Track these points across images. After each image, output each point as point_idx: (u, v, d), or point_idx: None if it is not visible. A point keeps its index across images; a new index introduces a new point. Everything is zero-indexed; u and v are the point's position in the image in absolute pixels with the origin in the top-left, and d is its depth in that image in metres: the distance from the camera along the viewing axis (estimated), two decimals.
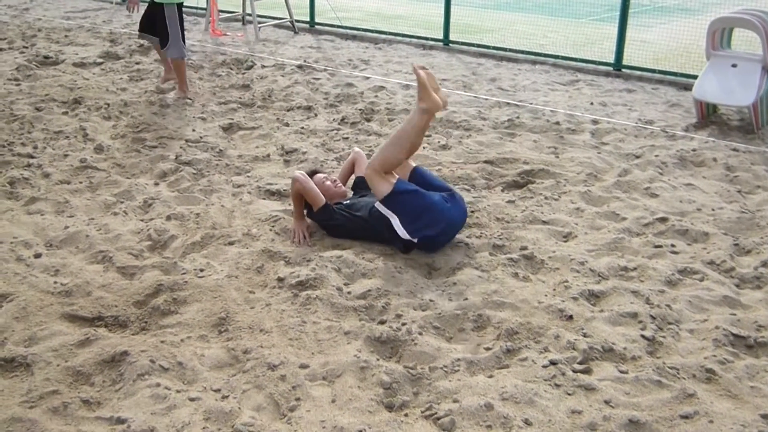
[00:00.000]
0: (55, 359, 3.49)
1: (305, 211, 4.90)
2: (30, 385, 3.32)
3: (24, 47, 10.25)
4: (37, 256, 4.51)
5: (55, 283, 4.19)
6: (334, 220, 4.80)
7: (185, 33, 8.21)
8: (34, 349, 3.54)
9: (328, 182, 5.02)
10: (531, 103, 8.09)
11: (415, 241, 4.54)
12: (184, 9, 8.01)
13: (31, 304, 3.93)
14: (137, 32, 8.27)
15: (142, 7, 8.20)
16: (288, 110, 7.76)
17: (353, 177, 5.31)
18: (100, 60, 9.69)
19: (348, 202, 4.92)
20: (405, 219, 4.54)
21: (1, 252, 4.49)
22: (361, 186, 5.14)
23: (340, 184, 5.09)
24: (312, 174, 5.00)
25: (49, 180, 5.69)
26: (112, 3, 14.75)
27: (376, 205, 4.65)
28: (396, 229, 4.54)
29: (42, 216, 5.06)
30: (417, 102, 4.62)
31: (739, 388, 3.34)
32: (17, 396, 3.26)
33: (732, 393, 3.32)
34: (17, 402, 3.22)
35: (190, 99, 7.98)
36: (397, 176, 4.69)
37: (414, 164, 4.91)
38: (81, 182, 5.70)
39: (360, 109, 7.69)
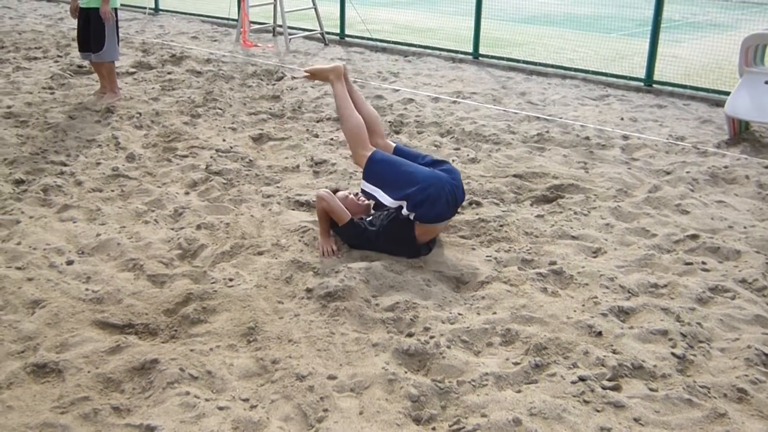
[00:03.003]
0: (86, 366, 3.53)
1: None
2: (61, 391, 3.36)
3: (58, 56, 10.41)
4: (69, 263, 4.56)
5: (87, 290, 4.24)
6: (359, 235, 4.82)
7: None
8: (66, 356, 3.59)
9: (352, 196, 5.06)
10: (561, 118, 8.06)
11: (407, 211, 4.59)
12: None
13: (62, 311, 3.98)
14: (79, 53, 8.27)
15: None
16: (318, 121, 7.80)
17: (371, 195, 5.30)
18: (133, 69, 9.81)
19: (369, 218, 4.95)
20: (388, 189, 4.65)
21: (34, 258, 4.55)
22: (381, 206, 5.16)
23: (363, 198, 5.12)
24: (334, 192, 5.07)
25: (82, 188, 5.76)
26: (144, 14, 14.93)
27: (361, 184, 4.78)
28: (381, 200, 4.67)
29: (74, 223, 5.13)
30: (330, 82, 5.13)
31: None
32: (49, 401, 3.30)
33: (764, 413, 3.28)
34: (49, 407, 3.26)
35: (121, 100, 8.16)
36: (375, 149, 4.86)
37: (395, 144, 5.09)
38: (113, 190, 5.76)
39: (389, 122, 7.71)
